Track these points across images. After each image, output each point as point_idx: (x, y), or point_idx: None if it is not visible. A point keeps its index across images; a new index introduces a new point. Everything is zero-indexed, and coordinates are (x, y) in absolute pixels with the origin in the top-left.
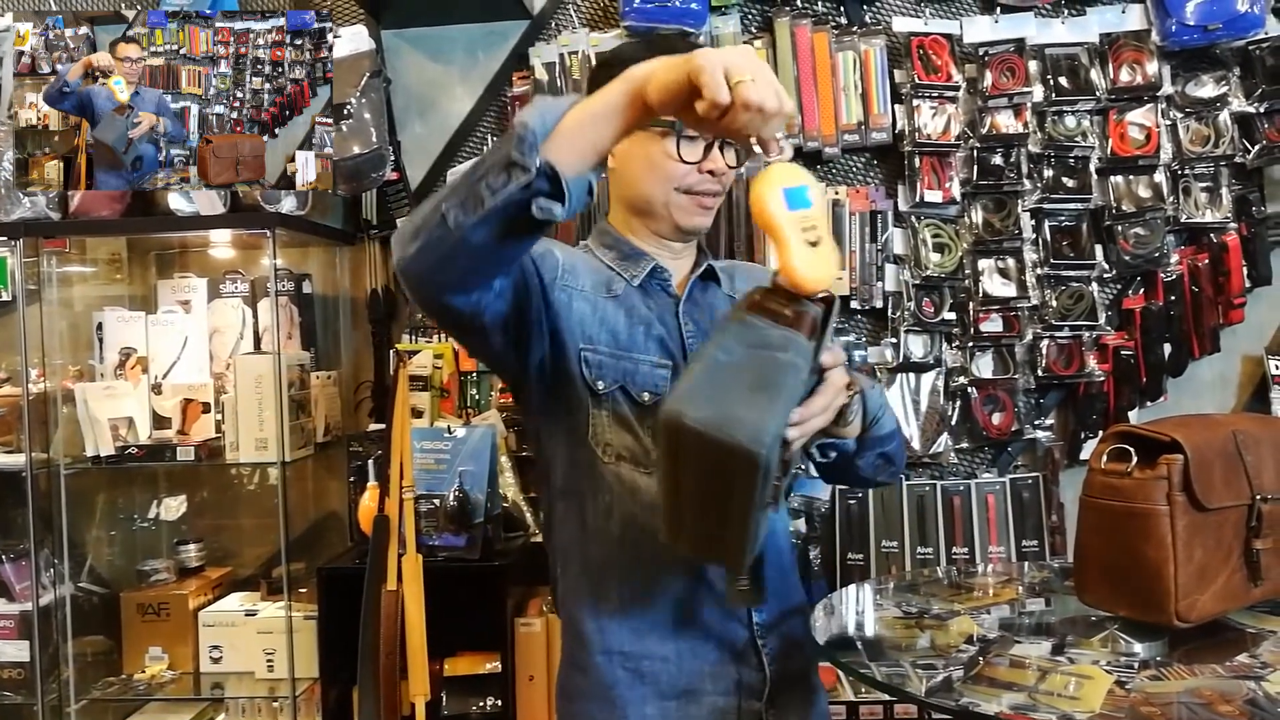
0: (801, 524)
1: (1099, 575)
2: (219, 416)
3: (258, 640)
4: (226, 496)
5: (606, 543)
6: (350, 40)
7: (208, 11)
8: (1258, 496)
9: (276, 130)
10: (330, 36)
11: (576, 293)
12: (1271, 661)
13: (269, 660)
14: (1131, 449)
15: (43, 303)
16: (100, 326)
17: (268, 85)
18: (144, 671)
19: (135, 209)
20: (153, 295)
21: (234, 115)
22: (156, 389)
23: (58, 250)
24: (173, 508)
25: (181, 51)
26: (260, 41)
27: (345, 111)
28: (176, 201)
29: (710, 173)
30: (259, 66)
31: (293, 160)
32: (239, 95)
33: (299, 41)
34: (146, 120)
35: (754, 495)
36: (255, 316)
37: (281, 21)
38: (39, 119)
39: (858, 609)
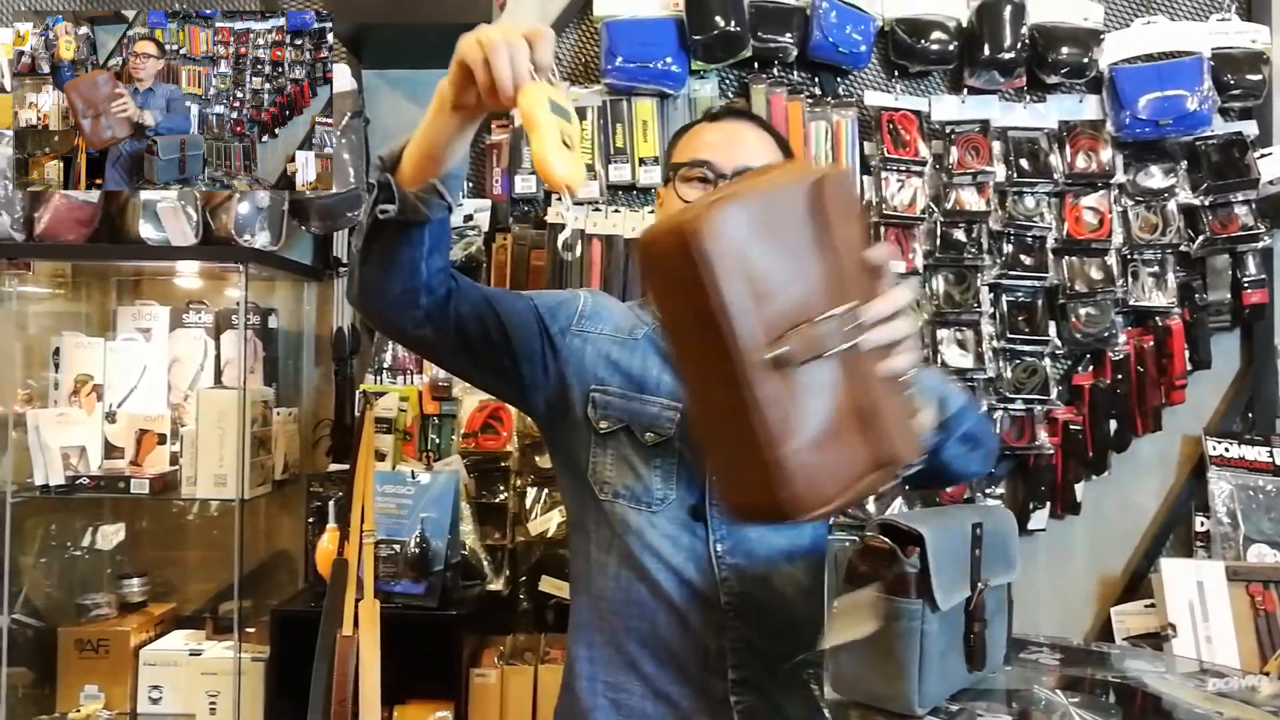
0: None
1: None
2: (175, 448)
3: (201, 681)
4: (172, 530)
5: (605, 576)
6: (333, 79)
7: (208, 11)
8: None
9: (276, 130)
10: (329, 36)
11: (593, 336)
12: None
13: (212, 703)
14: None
15: None
16: (57, 351)
17: (268, 85)
18: (79, 711)
19: (102, 234)
20: (111, 321)
21: (234, 115)
22: (111, 418)
23: (18, 272)
24: (109, 535)
25: (181, 51)
26: (260, 41)
27: (326, 151)
28: (147, 230)
29: None
30: (259, 66)
31: (293, 160)
32: (239, 95)
33: (299, 41)
34: (132, 106)
35: None
36: (218, 348)
37: (281, 21)
38: (39, 119)
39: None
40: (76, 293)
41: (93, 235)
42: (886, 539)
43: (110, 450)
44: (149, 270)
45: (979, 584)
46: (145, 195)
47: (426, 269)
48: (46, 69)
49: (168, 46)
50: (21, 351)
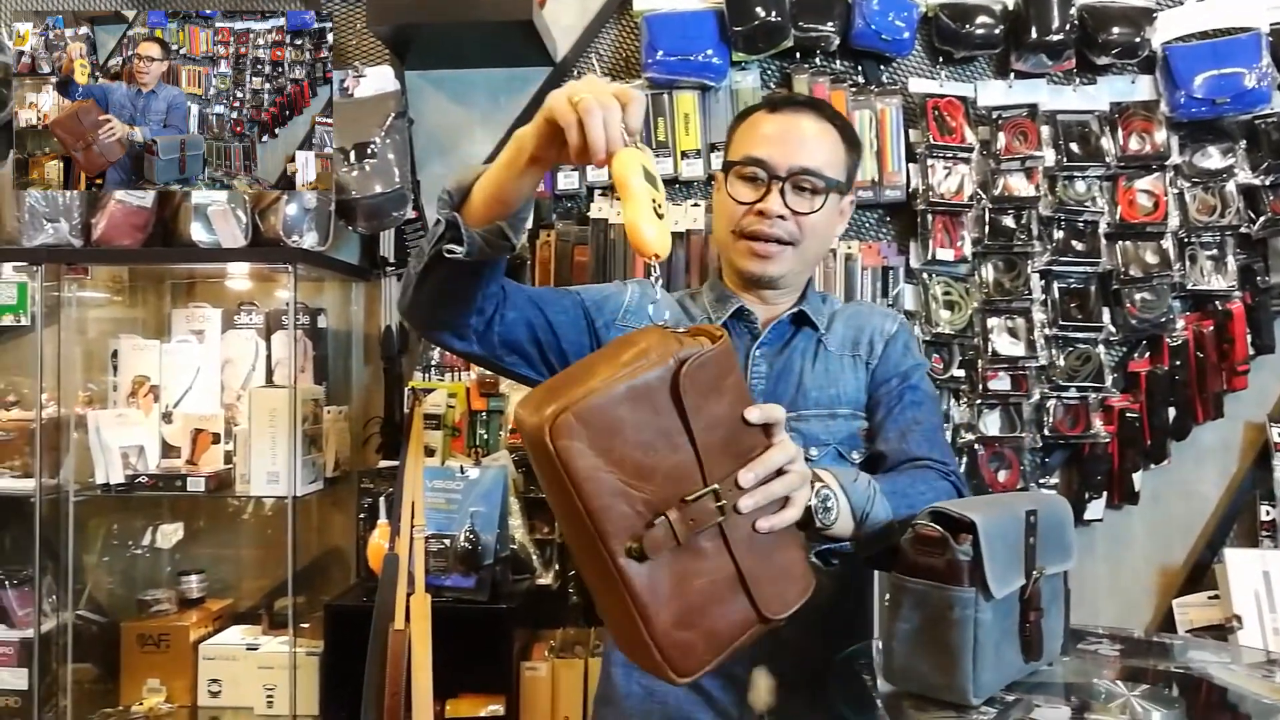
0: None
1: None
2: (229, 447)
3: (258, 675)
4: (229, 527)
5: None
6: (375, 80)
7: (208, 11)
8: None
9: (276, 130)
10: (329, 36)
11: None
12: None
13: (269, 696)
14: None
15: (60, 328)
16: (116, 353)
17: (268, 85)
18: (141, 704)
19: (156, 238)
20: (166, 323)
21: (234, 115)
22: (167, 418)
23: (77, 277)
24: (168, 534)
25: (181, 51)
26: (260, 41)
27: (369, 150)
28: (198, 232)
29: (760, 213)
30: (259, 66)
31: (293, 160)
32: (239, 95)
33: (299, 41)
34: (118, 125)
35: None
36: (269, 348)
37: (281, 21)
38: (39, 119)
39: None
40: (133, 297)
41: (147, 239)
42: (938, 526)
43: (167, 450)
44: (201, 273)
45: (1034, 572)
46: (196, 199)
47: (481, 297)
48: (47, 69)
49: (170, 47)
50: (81, 355)
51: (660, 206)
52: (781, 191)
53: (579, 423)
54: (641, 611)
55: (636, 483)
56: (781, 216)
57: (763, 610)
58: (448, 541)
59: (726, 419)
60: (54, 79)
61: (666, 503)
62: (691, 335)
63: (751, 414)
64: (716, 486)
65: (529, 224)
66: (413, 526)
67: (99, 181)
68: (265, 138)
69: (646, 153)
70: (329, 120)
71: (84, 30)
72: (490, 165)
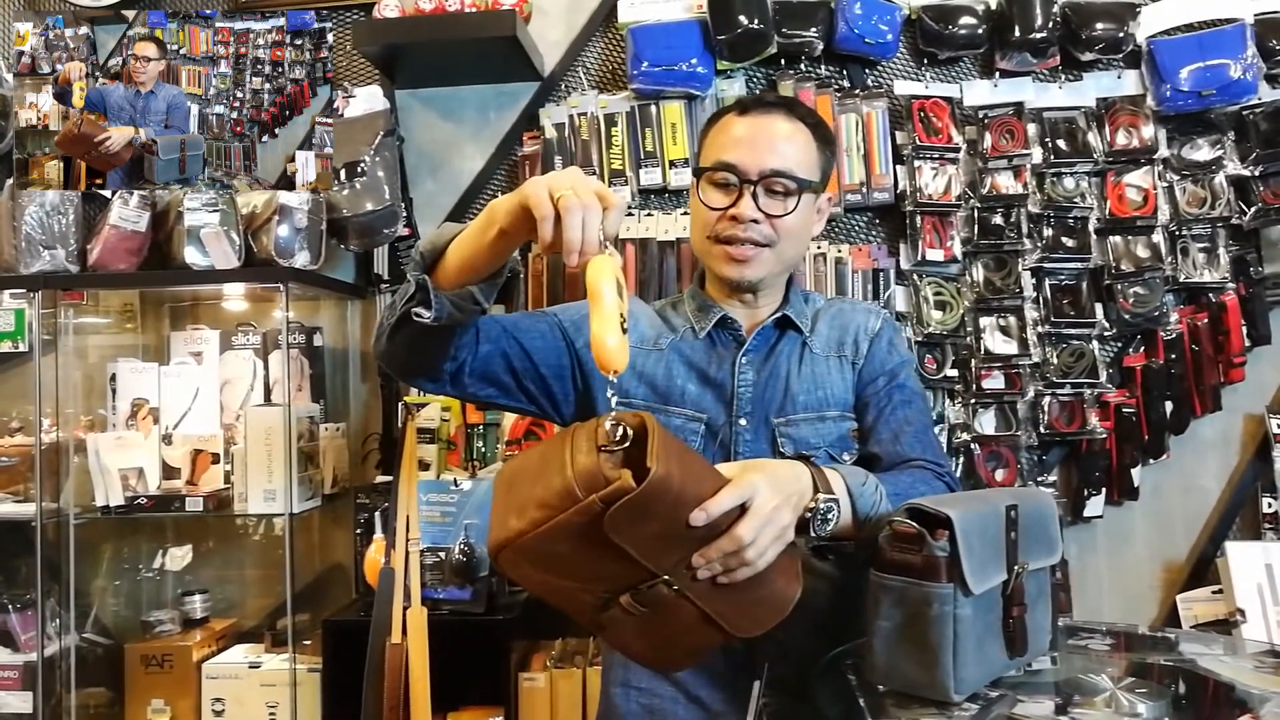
0: None
1: None
2: (228, 467)
3: (261, 693)
4: (232, 547)
5: None
6: (365, 100)
7: (208, 11)
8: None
9: (276, 130)
10: (329, 35)
11: None
12: None
13: (272, 713)
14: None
15: (58, 353)
16: (114, 377)
17: (268, 85)
18: None
19: (151, 261)
20: (165, 346)
21: (234, 115)
22: (167, 439)
23: (74, 303)
24: (178, 557)
25: (182, 51)
26: (260, 41)
27: (359, 169)
28: (192, 255)
29: (734, 218)
30: (259, 66)
31: (293, 160)
32: (239, 95)
33: (299, 41)
34: (118, 136)
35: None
36: (266, 368)
37: (281, 21)
38: (39, 119)
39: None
40: (132, 321)
41: (143, 263)
42: (914, 523)
43: (168, 471)
44: (199, 295)
45: (1015, 568)
46: (189, 221)
47: (454, 347)
48: (46, 69)
49: (168, 47)
50: (81, 380)
51: (624, 321)
52: (754, 195)
53: (518, 556)
54: (622, 651)
55: (588, 584)
56: (755, 220)
57: (735, 634)
58: (443, 554)
59: (668, 530)
60: (53, 82)
61: (620, 590)
62: (623, 462)
63: (697, 519)
64: (667, 577)
65: (498, 286)
66: (408, 540)
67: (99, 182)
68: (265, 138)
69: (617, 259)
70: (329, 120)
71: (84, 30)
72: (464, 228)
